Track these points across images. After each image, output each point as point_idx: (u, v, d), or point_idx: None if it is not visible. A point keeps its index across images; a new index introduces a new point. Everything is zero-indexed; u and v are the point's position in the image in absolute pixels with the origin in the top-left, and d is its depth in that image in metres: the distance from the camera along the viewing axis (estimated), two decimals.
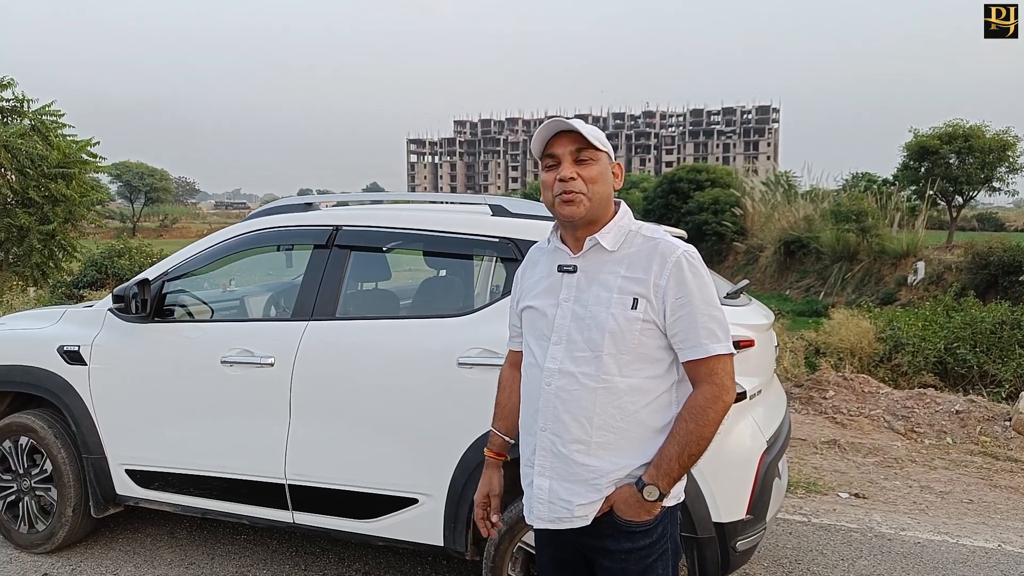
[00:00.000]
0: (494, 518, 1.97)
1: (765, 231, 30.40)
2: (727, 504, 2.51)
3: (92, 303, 3.84)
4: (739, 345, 2.38)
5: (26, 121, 14.99)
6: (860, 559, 3.64)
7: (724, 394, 1.68)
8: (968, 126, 29.80)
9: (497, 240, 2.92)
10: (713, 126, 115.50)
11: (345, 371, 2.97)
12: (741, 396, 2.56)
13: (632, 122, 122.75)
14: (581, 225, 1.76)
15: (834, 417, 6.18)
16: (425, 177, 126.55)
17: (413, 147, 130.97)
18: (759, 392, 2.79)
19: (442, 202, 3.55)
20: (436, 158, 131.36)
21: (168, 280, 3.43)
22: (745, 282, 3.21)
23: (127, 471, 3.40)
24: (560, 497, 1.74)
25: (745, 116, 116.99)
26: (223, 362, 3.14)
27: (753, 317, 2.94)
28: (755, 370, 2.77)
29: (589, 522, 1.73)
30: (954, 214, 32.59)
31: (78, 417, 3.42)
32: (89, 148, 15.63)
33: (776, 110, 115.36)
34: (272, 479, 3.08)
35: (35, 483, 3.57)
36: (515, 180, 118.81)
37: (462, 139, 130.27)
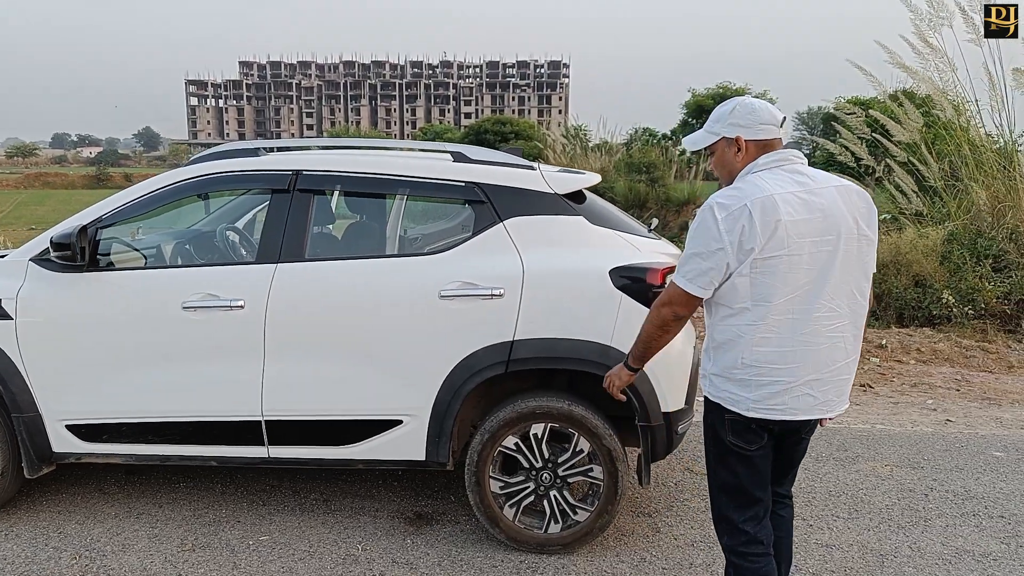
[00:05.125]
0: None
1: None
2: (672, 397, 3.12)
3: None
4: (670, 270, 3.00)
5: None
6: None
7: (660, 305, 2.16)
8: (735, 87, 33.78)
9: (463, 184, 3.22)
10: (509, 79, 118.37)
11: (325, 309, 3.14)
12: None
13: (430, 71, 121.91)
14: None
15: None
16: (208, 122, 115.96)
17: (193, 89, 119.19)
18: None
19: (399, 148, 3.73)
20: (221, 101, 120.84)
21: (101, 227, 3.30)
22: (655, 221, 3.82)
23: (68, 427, 3.28)
24: None
25: (538, 70, 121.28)
26: (185, 307, 3.15)
27: (669, 247, 3.55)
28: None
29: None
30: None
31: (5, 375, 3.22)
32: None
33: (567, 65, 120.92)
34: (247, 417, 3.19)
35: None
36: (310, 127, 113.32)
37: (249, 82, 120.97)
